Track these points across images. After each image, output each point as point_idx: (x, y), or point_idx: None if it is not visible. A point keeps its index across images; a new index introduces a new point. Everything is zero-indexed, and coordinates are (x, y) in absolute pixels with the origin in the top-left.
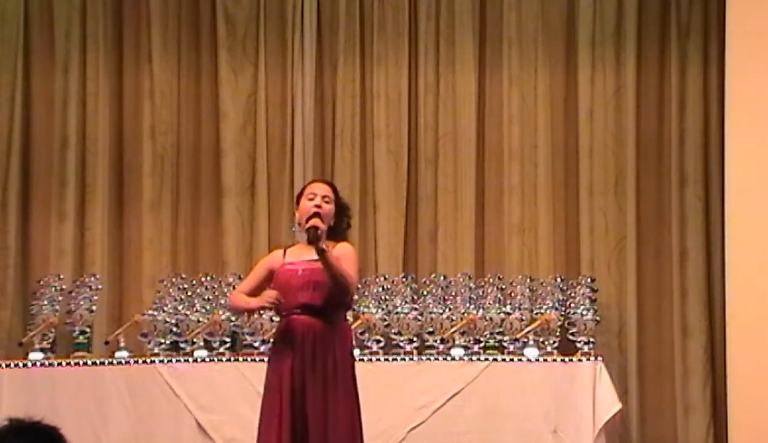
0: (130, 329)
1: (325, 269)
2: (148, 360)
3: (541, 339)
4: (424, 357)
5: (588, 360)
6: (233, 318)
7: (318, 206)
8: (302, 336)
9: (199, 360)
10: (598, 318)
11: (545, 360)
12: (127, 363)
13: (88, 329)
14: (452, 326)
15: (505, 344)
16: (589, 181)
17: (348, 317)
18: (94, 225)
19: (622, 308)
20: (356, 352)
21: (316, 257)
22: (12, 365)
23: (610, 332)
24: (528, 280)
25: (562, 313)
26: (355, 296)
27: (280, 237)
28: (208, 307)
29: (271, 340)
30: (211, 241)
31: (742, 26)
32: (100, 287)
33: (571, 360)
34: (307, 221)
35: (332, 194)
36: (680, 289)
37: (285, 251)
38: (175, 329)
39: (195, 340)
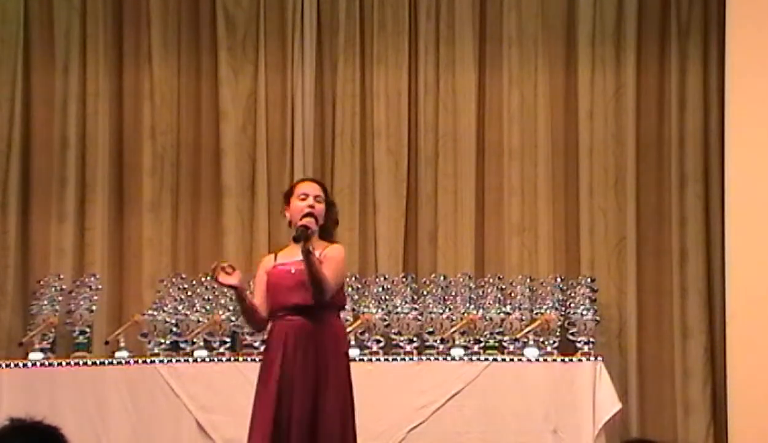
0: (130, 329)
1: (306, 268)
2: (148, 360)
3: (541, 339)
4: (424, 357)
5: (588, 360)
6: (233, 318)
7: (311, 207)
8: (295, 337)
9: (199, 360)
10: (598, 318)
11: (545, 360)
12: (127, 363)
13: (88, 329)
14: (452, 326)
15: (505, 344)
16: (589, 181)
17: (343, 317)
18: (94, 225)
19: (622, 308)
20: (355, 352)
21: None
22: (12, 365)
23: (610, 332)
24: (528, 280)
25: (562, 313)
26: (348, 297)
27: (280, 237)
28: (208, 307)
29: (264, 341)
30: (211, 241)
31: (742, 26)
32: (100, 287)
33: (571, 360)
34: (300, 219)
35: (323, 193)
36: (680, 289)
37: (276, 255)
38: (175, 329)
39: (195, 340)
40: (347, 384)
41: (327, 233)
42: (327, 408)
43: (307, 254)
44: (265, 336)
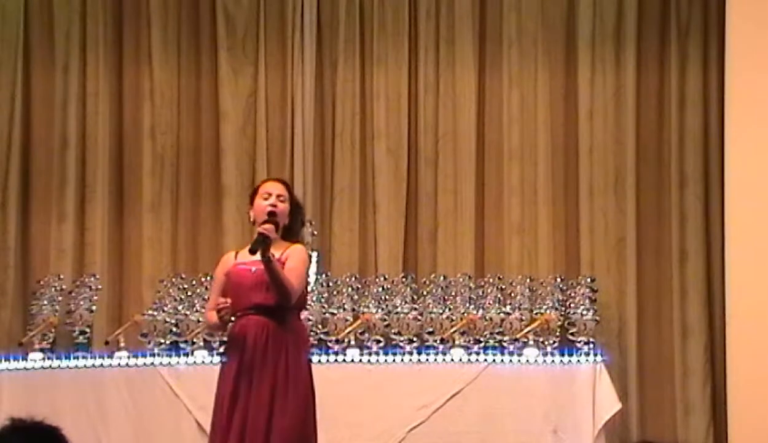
0: (130, 329)
1: (269, 276)
2: (148, 360)
3: (541, 339)
4: (424, 357)
5: (588, 360)
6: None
7: (273, 206)
8: (255, 337)
9: (199, 360)
10: (598, 318)
11: (545, 360)
12: (127, 363)
13: (88, 330)
14: (452, 326)
15: (505, 344)
16: (589, 181)
17: (306, 318)
18: (94, 225)
19: (622, 308)
20: (355, 352)
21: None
22: (12, 365)
23: (610, 332)
24: (528, 280)
25: (562, 313)
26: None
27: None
28: None
29: (224, 341)
30: (211, 241)
31: (742, 26)
32: (100, 287)
33: (570, 361)
34: (261, 224)
35: (287, 192)
36: (680, 289)
37: (237, 253)
38: (175, 329)
39: (195, 340)
40: (308, 385)
41: (291, 233)
42: (285, 410)
43: (269, 263)
44: (226, 335)
